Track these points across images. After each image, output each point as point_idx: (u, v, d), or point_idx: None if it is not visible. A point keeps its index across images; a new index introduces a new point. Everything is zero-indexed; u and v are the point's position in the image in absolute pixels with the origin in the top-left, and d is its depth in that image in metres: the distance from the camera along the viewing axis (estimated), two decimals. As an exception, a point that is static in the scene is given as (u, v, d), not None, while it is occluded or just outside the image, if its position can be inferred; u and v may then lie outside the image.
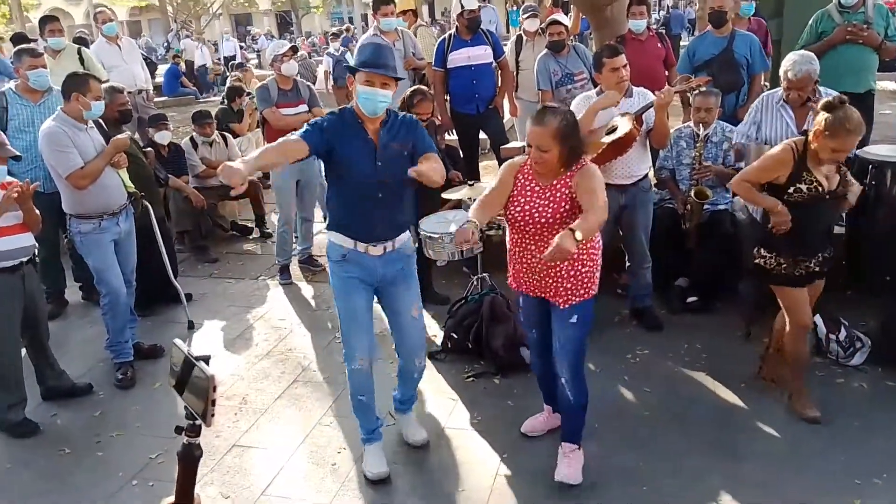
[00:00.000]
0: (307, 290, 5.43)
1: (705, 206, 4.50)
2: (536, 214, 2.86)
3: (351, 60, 3.68)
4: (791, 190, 3.19)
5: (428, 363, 4.08)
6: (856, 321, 4.06)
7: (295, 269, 5.73)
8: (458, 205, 4.75)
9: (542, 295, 3.00)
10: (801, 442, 3.30)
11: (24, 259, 3.67)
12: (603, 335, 4.17)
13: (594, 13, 6.74)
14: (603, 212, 2.74)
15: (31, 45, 5.57)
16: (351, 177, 2.96)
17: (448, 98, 6.10)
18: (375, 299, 3.23)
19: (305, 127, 2.93)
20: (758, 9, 6.32)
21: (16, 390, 3.74)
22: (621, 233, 4.39)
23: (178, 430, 1.33)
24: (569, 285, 2.91)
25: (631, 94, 4.06)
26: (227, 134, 6.93)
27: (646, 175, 4.24)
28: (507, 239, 3.06)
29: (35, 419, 3.79)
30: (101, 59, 6.72)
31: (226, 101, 8.29)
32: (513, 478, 3.21)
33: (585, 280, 2.93)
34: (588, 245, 2.87)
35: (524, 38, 6.41)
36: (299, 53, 8.81)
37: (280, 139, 2.91)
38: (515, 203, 2.92)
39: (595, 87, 4.29)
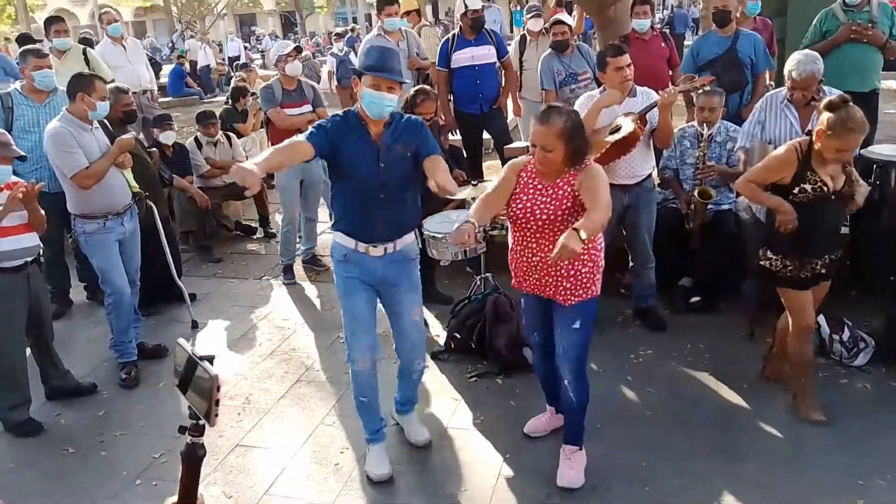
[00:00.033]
0: (311, 290, 5.44)
1: (709, 206, 4.49)
2: (538, 212, 2.86)
3: (355, 61, 3.69)
4: (796, 190, 3.18)
5: (431, 363, 4.10)
6: (859, 321, 4.05)
7: (298, 268, 5.73)
8: (462, 204, 4.75)
9: (543, 293, 3.00)
10: (804, 442, 3.30)
11: (29, 259, 3.68)
12: (606, 335, 4.16)
13: (598, 13, 6.72)
14: (606, 211, 2.74)
15: (37, 45, 5.56)
16: (354, 178, 2.97)
17: (451, 98, 6.11)
18: (378, 299, 3.23)
19: (310, 129, 2.94)
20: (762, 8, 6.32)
21: (20, 390, 3.75)
22: (625, 232, 4.38)
23: (182, 429, 1.34)
24: (568, 284, 2.91)
25: (635, 94, 4.05)
26: (231, 134, 6.95)
27: (649, 175, 4.23)
28: (509, 237, 3.07)
29: (39, 419, 3.81)
30: (106, 59, 6.73)
31: (230, 101, 8.29)
32: (515, 478, 3.21)
33: (585, 280, 2.92)
34: (589, 245, 2.86)
35: (528, 37, 6.41)
36: (303, 54, 8.82)
37: (286, 141, 2.92)
38: (517, 200, 2.93)
39: (599, 86, 4.29)
